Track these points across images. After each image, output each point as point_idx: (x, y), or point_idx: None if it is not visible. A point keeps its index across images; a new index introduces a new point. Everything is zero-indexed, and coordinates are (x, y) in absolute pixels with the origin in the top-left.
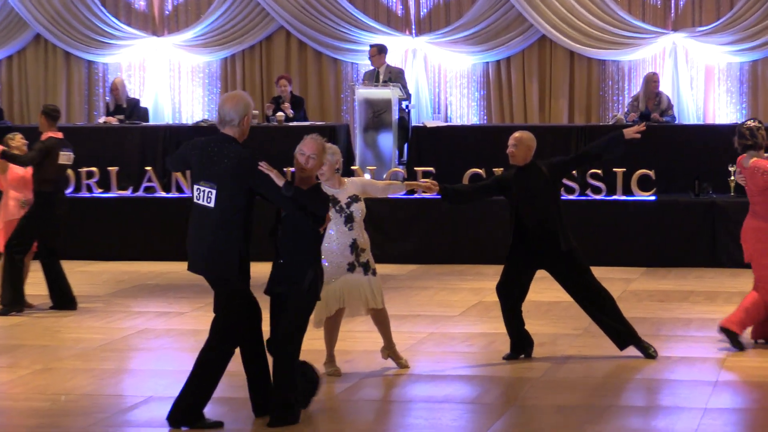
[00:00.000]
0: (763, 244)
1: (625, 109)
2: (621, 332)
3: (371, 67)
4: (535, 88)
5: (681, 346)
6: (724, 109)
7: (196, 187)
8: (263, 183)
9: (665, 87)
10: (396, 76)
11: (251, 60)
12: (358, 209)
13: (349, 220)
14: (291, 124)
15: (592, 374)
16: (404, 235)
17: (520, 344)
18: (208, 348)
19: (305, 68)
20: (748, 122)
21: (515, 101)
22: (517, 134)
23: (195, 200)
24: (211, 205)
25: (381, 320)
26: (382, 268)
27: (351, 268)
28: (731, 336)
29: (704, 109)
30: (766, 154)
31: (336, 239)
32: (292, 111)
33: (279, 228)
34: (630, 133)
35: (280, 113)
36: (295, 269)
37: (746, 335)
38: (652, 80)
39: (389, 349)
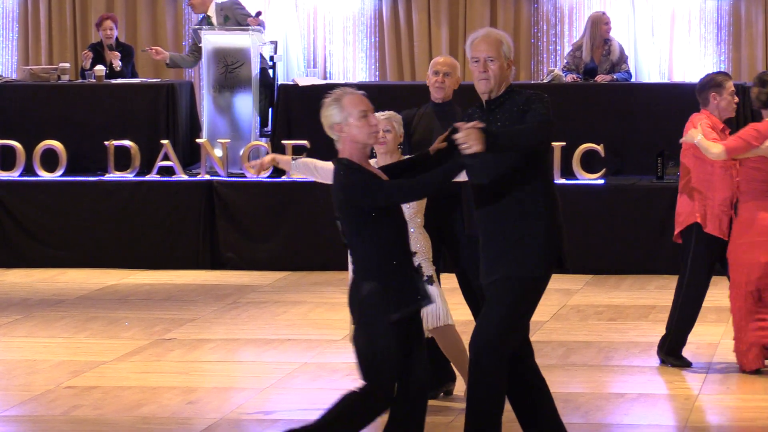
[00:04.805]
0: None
1: (564, 62)
2: None
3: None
4: (444, 34)
5: (639, 381)
6: (695, 62)
7: None
8: None
9: (618, 34)
10: (232, 11)
11: None
12: None
13: None
14: (114, 81)
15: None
16: (268, 233)
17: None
18: None
19: (133, 7)
20: None
21: (418, 52)
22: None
23: None
24: None
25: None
26: (239, 276)
27: None
28: None
29: (669, 63)
30: None
31: None
32: (120, 62)
33: None
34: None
35: (99, 67)
36: None
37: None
38: (600, 22)
39: None
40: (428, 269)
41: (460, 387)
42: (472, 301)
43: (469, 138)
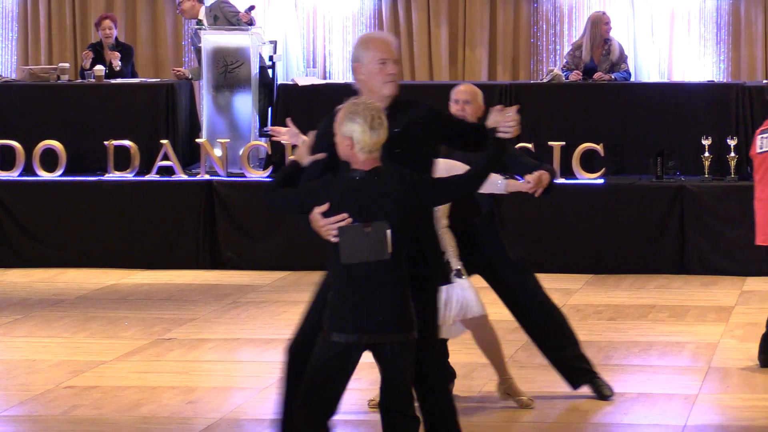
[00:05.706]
0: None
1: (564, 61)
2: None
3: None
4: (444, 33)
5: (638, 380)
6: (695, 62)
7: None
8: None
9: (618, 33)
10: (221, 10)
11: None
12: None
13: None
14: (114, 81)
15: (518, 418)
16: (268, 233)
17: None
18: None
19: (133, 7)
20: None
21: (417, 51)
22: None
23: None
24: None
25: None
26: (239, 276)
27: None
28: None
29: (669, 63)
30: None
31: None
32: (119, 62)
33: None
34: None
35: (98, 67)
36: None
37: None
38: (601, 21)
39: (505, 384)
40: (456, 263)
41: (459, 386)
42: (502, 292)
43: (517, 122)
